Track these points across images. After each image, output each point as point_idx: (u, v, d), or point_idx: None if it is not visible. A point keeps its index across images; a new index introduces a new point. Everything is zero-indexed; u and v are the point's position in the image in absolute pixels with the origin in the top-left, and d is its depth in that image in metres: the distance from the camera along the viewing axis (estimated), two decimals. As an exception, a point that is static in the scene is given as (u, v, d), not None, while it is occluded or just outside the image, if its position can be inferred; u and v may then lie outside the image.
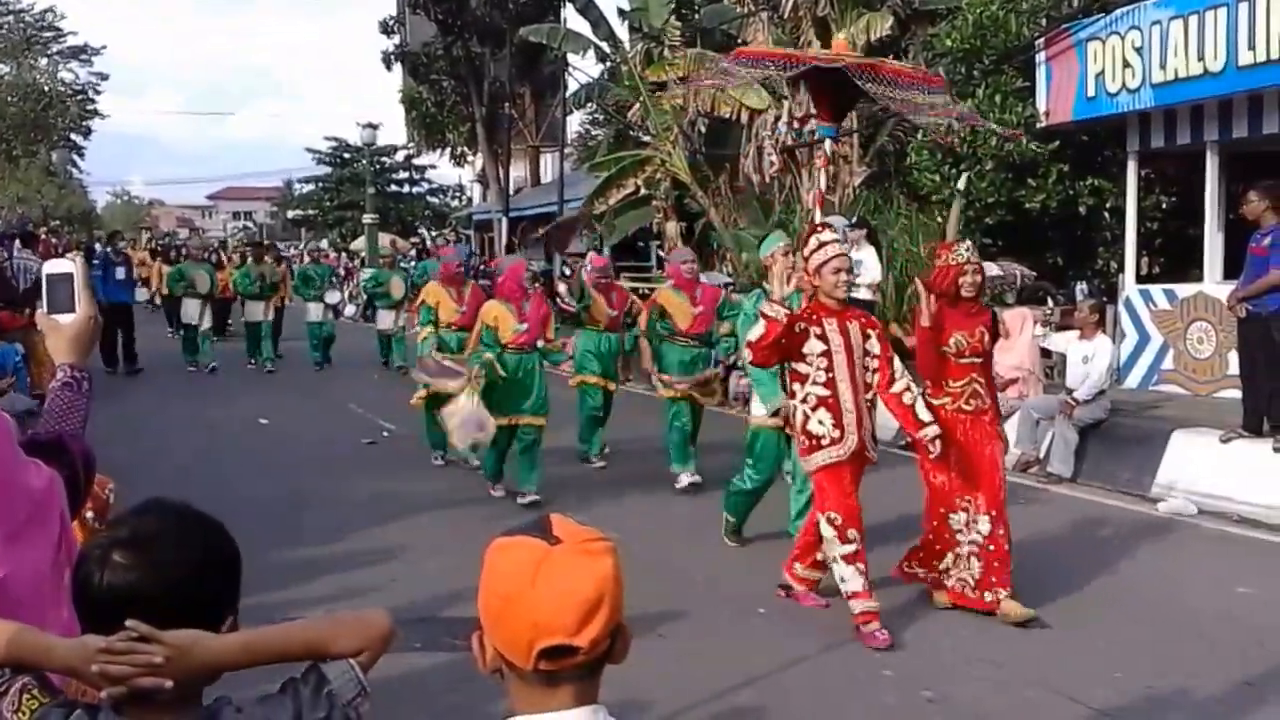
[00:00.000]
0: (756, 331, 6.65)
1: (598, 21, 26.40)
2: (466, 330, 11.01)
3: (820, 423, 6.66)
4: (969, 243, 7.31)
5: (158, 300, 27.79)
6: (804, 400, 6.72)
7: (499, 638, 1.73)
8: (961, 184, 15.14)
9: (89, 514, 4.77)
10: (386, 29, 41.27)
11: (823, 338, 6.67)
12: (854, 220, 15.71)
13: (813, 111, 19.81)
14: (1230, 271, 12.37)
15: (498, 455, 10.30)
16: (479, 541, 1.81)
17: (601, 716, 1.77)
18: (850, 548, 6.58)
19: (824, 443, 6.64)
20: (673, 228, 24.06)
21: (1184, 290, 13.73)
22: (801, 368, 6.72)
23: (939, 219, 16.52)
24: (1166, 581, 7.71)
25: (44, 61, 52.05)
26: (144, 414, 15.22)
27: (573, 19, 35.17)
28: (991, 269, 13.50)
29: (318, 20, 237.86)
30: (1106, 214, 15.63)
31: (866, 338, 6.79)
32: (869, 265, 14.29)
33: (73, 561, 2.35)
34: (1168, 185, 15.70)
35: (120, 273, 19.45)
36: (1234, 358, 11.34)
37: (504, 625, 1.72)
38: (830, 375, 6.66)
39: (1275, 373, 9.52)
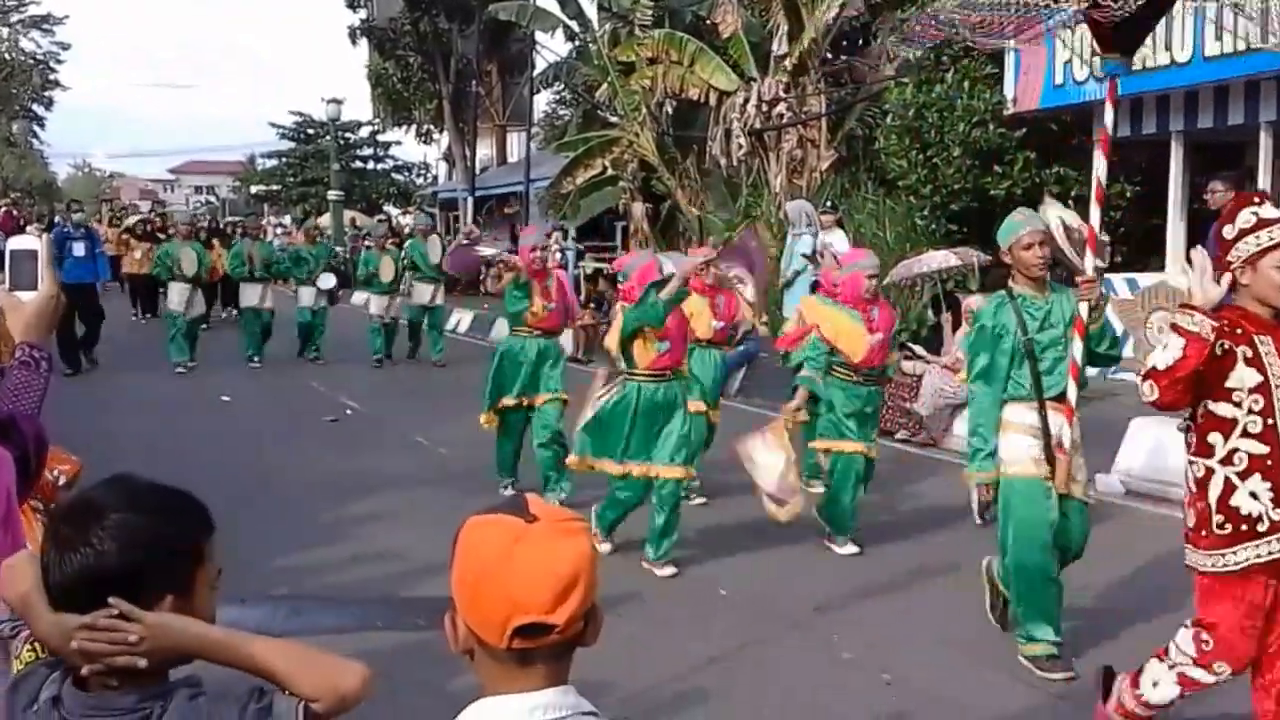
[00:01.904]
0: (1168, 356, 4.34)
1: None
2: (552, 334, 9.38)
3: (1253, 495, 4.39)
4: None
5: (124, 283, 25.33)
6: (1226, 460, 4.42)
7: (473, 616, 1.73)
8: None
9: (34, 501, 4.62)
10: (353, 3, 40.96)
11: (1256, 363, 4.41)
12: (827, 204, 15.74)
13: (781, 95, 19.90)
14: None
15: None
16: (442, 521, 1.83)
17: (572, 698, 1.77)
18: (1205, 679, 4.50)
19: (1260, 528, 4.36)
20: (639, 209, 24.06)
21: (1146, 279, 13.82)
22: (1223, 409, 4.43)
23: (908, 202, 16.58)
24: (1127, 569, 7.74)
25: (5, 31, 51.41)
26: (103, 390, 15.05)
27: (541, -3, 35.07)
28: (951, 259, 13.55)
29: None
30: (1071, 202, 15.70)
31: None
32: (839, 249, 14.31)
33: (18, 541, 2.44)
34: (1132, 174, 15.80)
35: (79, 248, 16.65)
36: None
37: (479, 603, 1.72)
38: (1270, 422, 4.39)
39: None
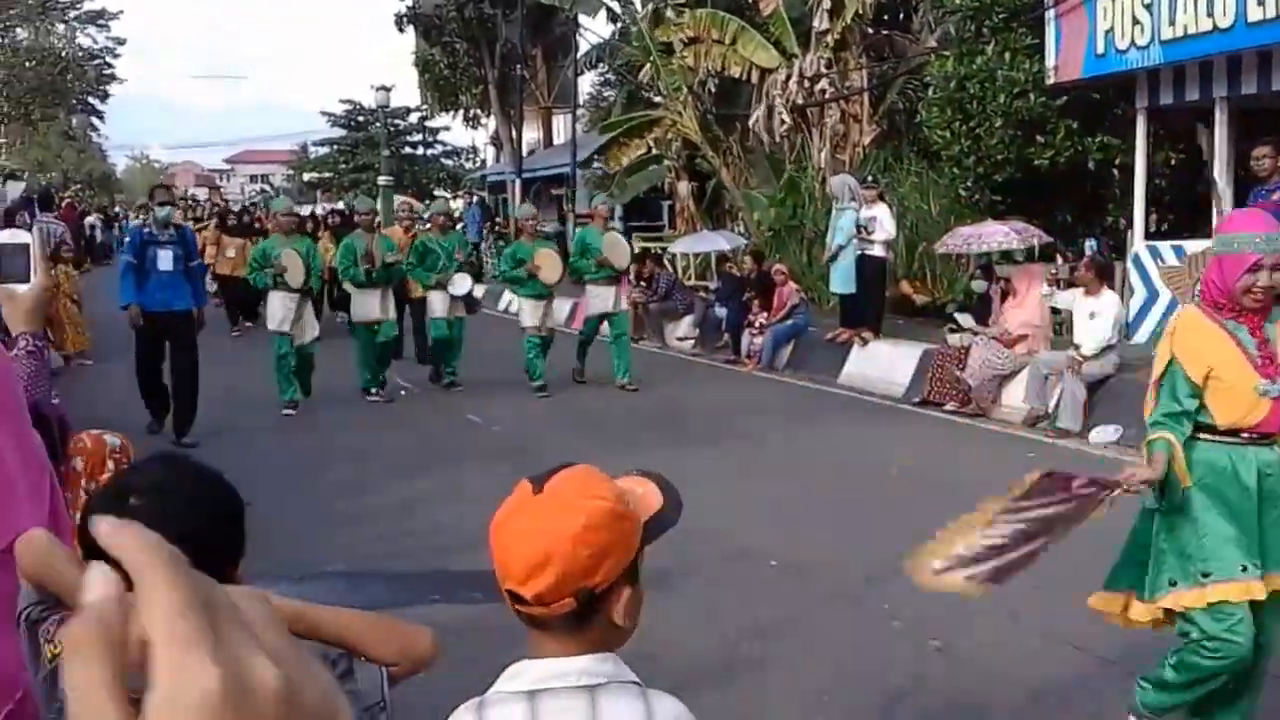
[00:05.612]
0: None
1: (608, -19, 26.43)
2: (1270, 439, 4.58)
3: None
4: None
5: (213, 288, 19.41)
6: None
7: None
8: None
9: (76, 463, 4.57)
10: (398, -9, 41.20)
11: None
12: (868, 179, 15.79)
13: (823, 71, 19.93)
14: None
15: None
16: (494, 496, 1.86)
17: (610, 665, 1.76)
18: None
19: None
20: (684, 187, 24.16)
21: (1192, 246, 13.75)
22: None
23: (951, 174, 16.57)
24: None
25: (61, 26, 52.15)
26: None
27: (583, -21, 35.10)
28: (1012, 239, 13.57)
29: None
30: (1115, 171, 15.66)
31: None
32: (883, 222, 14.39)
33: (59, 525, 2.41)
34: (1176, 142, 15.71)
35: (165, 259, 10.59)
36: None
37: (493, 557, 1.77)
38: None
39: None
